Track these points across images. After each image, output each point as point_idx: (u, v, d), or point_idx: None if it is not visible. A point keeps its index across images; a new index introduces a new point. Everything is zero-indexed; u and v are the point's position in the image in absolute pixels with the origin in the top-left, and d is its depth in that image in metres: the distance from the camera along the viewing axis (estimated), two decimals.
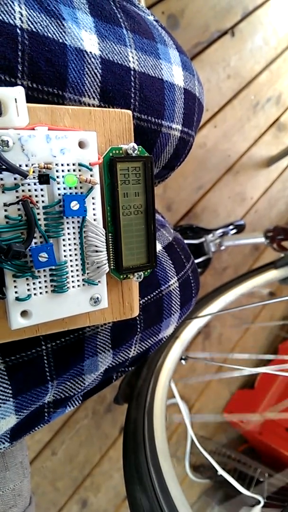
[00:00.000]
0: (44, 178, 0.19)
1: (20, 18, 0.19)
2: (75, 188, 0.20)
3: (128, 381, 0.58)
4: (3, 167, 0.17)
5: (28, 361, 0.23)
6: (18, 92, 0.17)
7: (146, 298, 0.29)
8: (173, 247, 0.33)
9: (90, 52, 0.21)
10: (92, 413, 0.86)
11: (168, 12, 0.81)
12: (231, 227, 0.96)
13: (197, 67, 0.89)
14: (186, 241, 0.93)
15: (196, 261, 0.91)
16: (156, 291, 0.30)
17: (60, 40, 0.20)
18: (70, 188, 0.19)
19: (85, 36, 0.21)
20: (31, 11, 0.19)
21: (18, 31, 0.19)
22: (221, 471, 0.58)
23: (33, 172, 0.18)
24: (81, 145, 0.20)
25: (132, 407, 0.48)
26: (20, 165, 0.18)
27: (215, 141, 0.97)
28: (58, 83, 0.21)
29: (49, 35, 0.20)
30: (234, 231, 0.97)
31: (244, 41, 0.97)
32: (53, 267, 0.20)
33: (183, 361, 0.64)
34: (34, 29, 0.19)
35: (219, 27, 0.91)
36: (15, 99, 0.17)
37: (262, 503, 0.51)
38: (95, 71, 0.22)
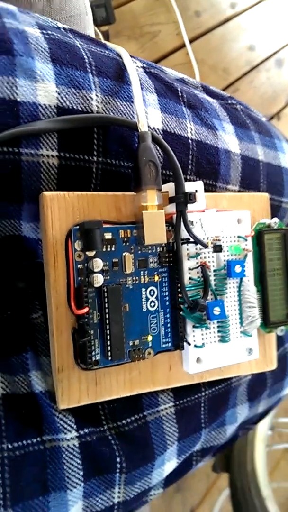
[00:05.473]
0: (218, 248, 0.24)
1: (190, 132, 0.25)
2: (237, 255, 0.24)
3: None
4: (191, 240, 0.22)
5: (191, 406, 0.26)
6: (200, 185, 0.23)
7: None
8: None
9: (234, 152, 0.28)
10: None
11: None
12: None
13: None
14: None
15: None
16: (284, 346, 0.33)
17: (215, 145, 0.27)
18: (233, 255, 0.24)
19: (230, 140, 0.28)
20: (196, 125, 0.26)
21: (190, 141, 0.25)
22: None
23: (210, 243, 0.23)
24: (239, 221, 0.25)
25: (234, 475, 0.48)
26: (203, 238, 0.23)
27: None
28: (213, 176, 0.27)
29: (208, 142, 0.26)
30: None
31: None
32: (221, 320, 0.24)
33: (269, 431, 0.63)
34: (199, 139, 0.26)
35: (266, 112, 1.02)
36: (196, 190, 0.23)
37: None
38: (238, 165, 0.28)
